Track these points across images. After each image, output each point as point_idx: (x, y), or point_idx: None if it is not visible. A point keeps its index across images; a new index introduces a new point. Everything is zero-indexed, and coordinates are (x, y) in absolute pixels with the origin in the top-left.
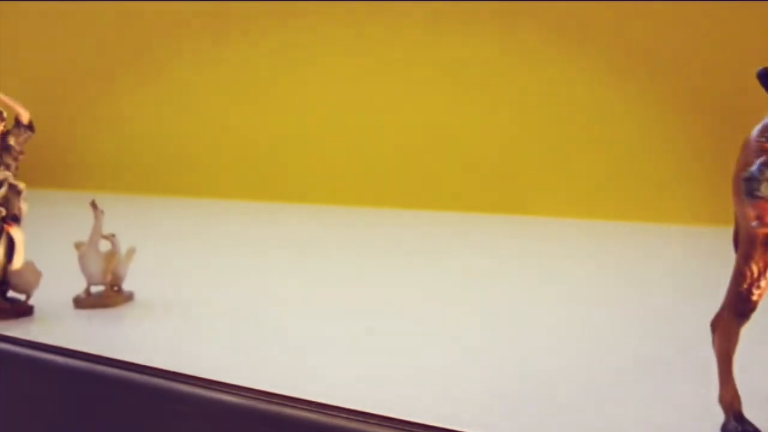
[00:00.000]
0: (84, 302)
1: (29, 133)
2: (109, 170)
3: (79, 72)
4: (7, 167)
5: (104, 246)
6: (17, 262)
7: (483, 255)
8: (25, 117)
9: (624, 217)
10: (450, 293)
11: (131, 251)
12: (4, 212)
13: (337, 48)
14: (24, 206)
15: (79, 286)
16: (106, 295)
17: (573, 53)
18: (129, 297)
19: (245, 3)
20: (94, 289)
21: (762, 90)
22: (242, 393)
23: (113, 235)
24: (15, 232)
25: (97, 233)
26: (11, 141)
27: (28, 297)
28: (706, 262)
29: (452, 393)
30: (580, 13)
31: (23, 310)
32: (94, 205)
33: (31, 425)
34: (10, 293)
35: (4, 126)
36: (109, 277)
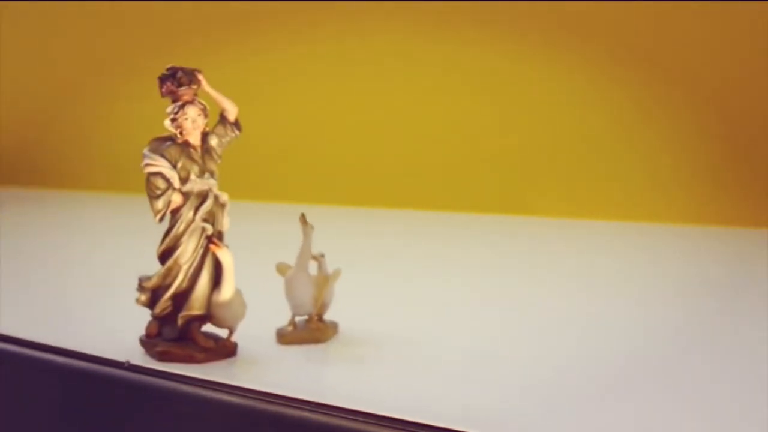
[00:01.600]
0: (291, 336)
1: (235, 132)
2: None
3: (81, 75)
4: (212, 174)
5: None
6: (227, 291)
7: (483, 256)
8: (232, 113)
9: (624, 217)
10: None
11: (336, 273)
12: (210, 229)
13: (339, 48)
14: (227, 222)
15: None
16: (315, 327)
17: (574, 54)
18: (335, 329)
19: (246, 5)
20: (298, 319)
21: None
22: (242, 393)
23: (323, 256)
24: (223, 254)
25: (306, 254)
26: (213, 142)
27: (231, 332)
28: (707, 262)
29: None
30: (581, 14)
31: (229, 350)
32: (303, 220)
33: None
34: (207, 326)
35: (207, 124)
36: (317, 306)
